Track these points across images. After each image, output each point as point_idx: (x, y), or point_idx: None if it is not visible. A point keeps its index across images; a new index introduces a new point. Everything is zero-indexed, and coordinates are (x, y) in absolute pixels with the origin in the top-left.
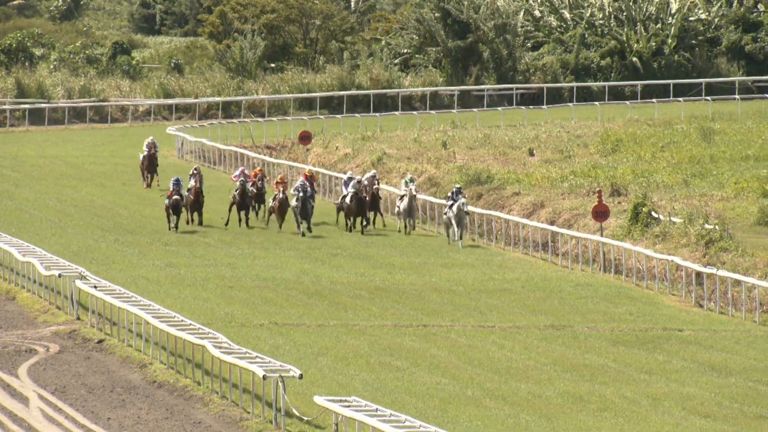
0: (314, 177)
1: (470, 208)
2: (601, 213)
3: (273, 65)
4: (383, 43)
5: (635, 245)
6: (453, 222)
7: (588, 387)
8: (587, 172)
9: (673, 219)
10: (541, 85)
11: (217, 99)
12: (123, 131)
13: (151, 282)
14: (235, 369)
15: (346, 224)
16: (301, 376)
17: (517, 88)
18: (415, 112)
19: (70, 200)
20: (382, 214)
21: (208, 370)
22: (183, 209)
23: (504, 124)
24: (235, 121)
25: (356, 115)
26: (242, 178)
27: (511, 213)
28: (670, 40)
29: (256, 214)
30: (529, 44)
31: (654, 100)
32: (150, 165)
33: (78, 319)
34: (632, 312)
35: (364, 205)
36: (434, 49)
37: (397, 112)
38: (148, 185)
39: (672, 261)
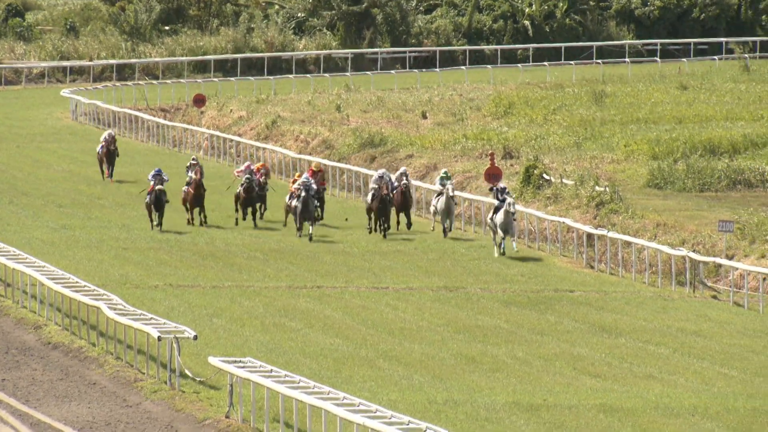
0: (323, 172)
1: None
2: (493, 175)
3: (167, 28)
4: (277, 6)
5: (527, 207)
6: (499, 230)
7: (480, 348)
8: (479, 135)
9: (565, 181)
10: (434, 48)
11: (111, 61)
12: (17, 93)
13: (45, 244)
14: (130, 330)
15: (369, 224)
16: (195, 338)
17: (410, 52)
18: (309, 76)
19: None
20: (409, 216)
21: (103, 332)
22: (186, 203)
23: (397, 87)
24: (129, 83)
25: (251, 78)
26: (248, 174)
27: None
28: (561, 4)
29: (261, 215)
30: (422, 7)
31: (546, 63)
32: (108, 156)
33: None
34: (524, 273)
35: (387, 206)
36: (328, 12)
37: (291, 76)
38: (110, 175)
39: (563, 223)
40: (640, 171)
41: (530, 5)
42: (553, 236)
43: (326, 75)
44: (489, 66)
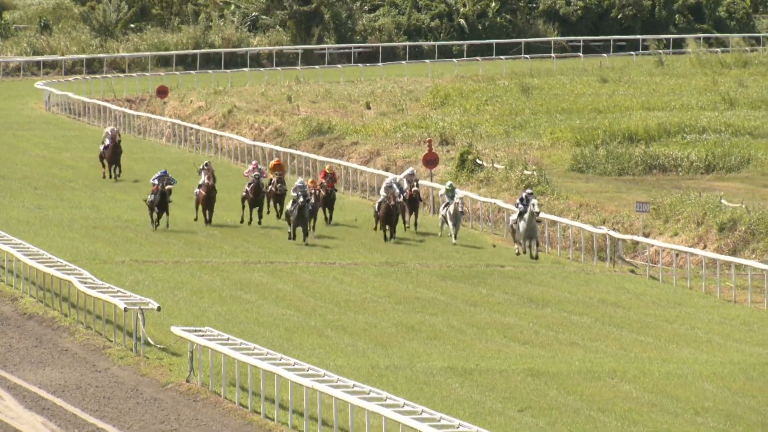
0: (335, 176)
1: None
2: (431, 160)
3: (133, 26)
4: (233, 6)
5: (462, 189)
6: (523, 235)
7: (419, 317)
8: (418, 124)
9: (496, 165)
10: (377, 44)
11: (81, 56)
12: None
13: (21, 222)
14: (99, 302)
15: (376, 229)
16: (159, 309)
17: (355, 47)
18: (262, 69)
19: None
20: (417, 217)
21: (74, 303)
22: (198, 205)
23: (343, 80)
24: (98, 76)
25: (209, 71)
26: (256, 173)
27: (350, 160)
28: (493, 4)
29: (278, 214)
30: (366, 7)
31: (478, 58)
32: (113, 155)
33: None
34: (459, 250)
35: (392, 215)
36: (280, 11)
37: (246, 69)
38: (109, 176)
39: (495, 203)
40: (565, 156)
41: (464, 5)
42: (485, 216)
43: (278, 69)
44: (427, 61)
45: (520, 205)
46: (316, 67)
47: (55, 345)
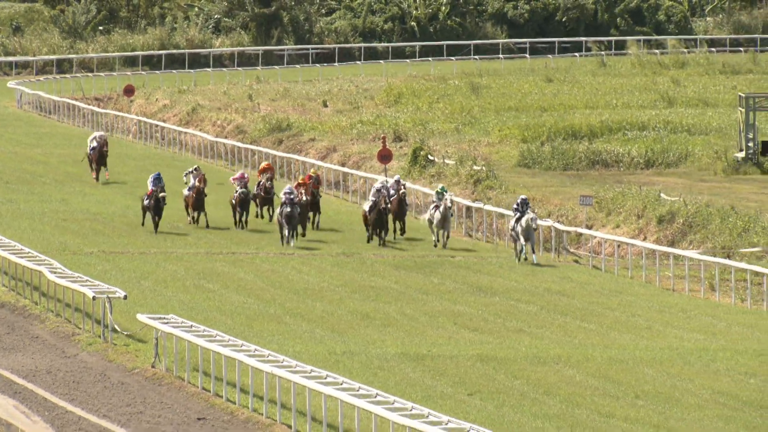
0: (320, 179)
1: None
2: (385, 156)
3: (101, 28)
4: (197, 9)
5: (414, 184)
6: (521, 237)
7: (374, 305)
8: (373, 121)
9: (447, 161)
10: (334, 45)
11: (52, 57)
12: None
13: None
14: (69, 291)
15: (368, 234)
16: (125, 297)
17: (313, 49)
18: (224, 69)
19: None
20: (404, 223)
21: (45, 292)
22: (188, 207)
23: (301, 80)
24: (68, 76)
25: (173, 71)
26: (241, 182)
27: (307, 156)
28: (443, 7)
29: (270, 217)
30: (323, 10)
31: (430, 58)
32: (100, 158)
33: None
34: (411, 241)
35: (384, 218)
36: (242, 14)
37: (209, 69)
38: (97, 179)
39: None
40: (512, 152)
41: (416, 8)
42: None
43: (240, 69)
44: (381, 61)
45: (517, 213)
46: (276, 67)
47: (27, 332)
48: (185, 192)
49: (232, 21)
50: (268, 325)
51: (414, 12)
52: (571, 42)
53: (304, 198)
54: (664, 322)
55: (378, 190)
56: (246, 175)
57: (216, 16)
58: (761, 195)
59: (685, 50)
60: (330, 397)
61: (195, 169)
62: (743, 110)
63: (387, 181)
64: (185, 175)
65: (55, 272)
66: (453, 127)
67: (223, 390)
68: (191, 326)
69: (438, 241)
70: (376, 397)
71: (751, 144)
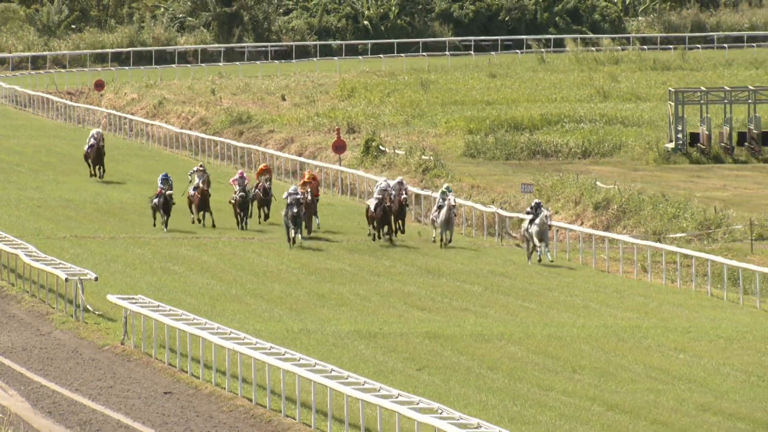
0: (316, 179)
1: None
2: (339, 147)
3: (73, 26)
4: (163, 8)
5: (367, 173)
6: (535, 238)
7: (329, 287)
8: (328, 114)
9: (397, 151)
10: (291, 43)
11: (27, 54)
12: None
13: None
14: (43, 273)
15: (370, 231)
16: (96, 279)
17: (271, 46)
18: (189, 65)
19: None
20: (404, 223)
21: (21, 274)
22: (192, 206)
23: (261, 75)
24: (42, 71)
25: (141, 67)
26: (241, 183)
27: (266, 147)
28: (394, 8)
29: (266, 217)
30: (281, 10)
31: (381, 55)
32: (97, 156)
33: None
34: (364, 226)
35: (388, 216)
36: (205, 13)
37: (174, 65)
38: (93, 174)
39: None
40: (458, 143)
41: (369, 8)
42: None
43: (203, 65)
44: (335, 58)
45: (530, 215)
46: (237, 63)
47: (3, 311)
48: (190, 191)
49: (195, 20)
50: (230, 305)
51: (366, 12)
52: (513, 40)
53: (309, 197)
54: (600, 302)
55: (384, 189)
56: (246, 176)
57: (180, 16)
58: (690, 183)
59: (619, 48)
60: (288, 372)
61: (200, 167)
62: (673, 104)
63: (390, 183)
64: (190, 174)
65: (30, 255)
66: (403, 120)
67: (188, 365)
68: (158, 306)
69: (442, 240)
70: (331, 372)
71: (680, 135)
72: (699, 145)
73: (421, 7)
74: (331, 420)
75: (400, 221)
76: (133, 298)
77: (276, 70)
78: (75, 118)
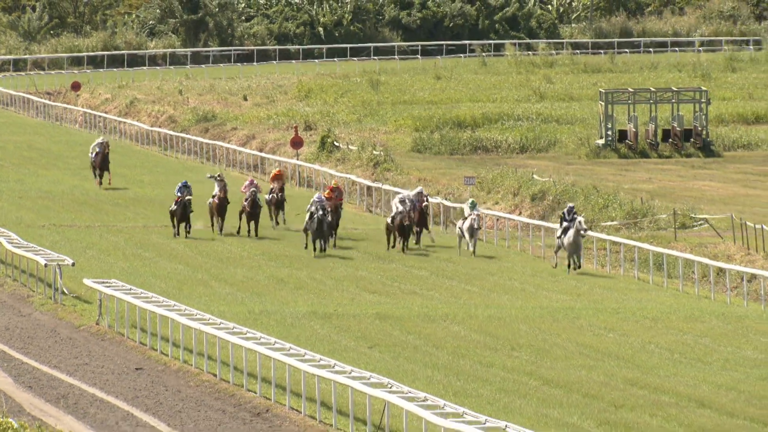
0: (340, 189)
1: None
2: (297, 143)
3: (52, 32)
4: (134, 15)
5: (322, 166)
6: (567, 250)
7: (287, 271)
8: (286, 113)
9: (350, 147)
10: (253, 47)
11: (9, 57)
12: None
13: None
14: (24, 259)
15: (388, 241)
16: (73, 264)
17: (234, 50)
18: (158, 68)
19: None
20: (429, 230)
21: (3, 260)
22: (212, 213)
23: (225, 77)
24: (22, 73)
25: (114, 69)
26: (252, 189)
27: (230, 143)
28: (347, 15)
29: (276, 221)
30: (243, 17)
31: (336, 59)
32: (103, 163)
33: None
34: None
35: (405, 229)
36: (173, 20)
37: (145, 68)
38: (100, 183)
39: (349, 178)
40: (406, 140)
41: (324, 15)
42: (343, 187)
43: (171, 67)
44: (294, 61)
45: (564, 222)
46: (203, 66)
47: None
48: (209, 201)
49: (164, 26)
50: (197, 288)
51: (321, 19)
52: (457, 45)
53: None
54: (536, 285)
55: (402, 201)
56: (256, 183)
57: (151, 22)
58: (618, 176)
59: (554, 52)
60: (250, 350)
61: (219, 175)
62: (603, 104)
63: (409, 195)
64: (208, 177)
65: (12, 243)
66: (355, 118)
67: (158, 344)
68: (130, 289)
69: (468, 248)
70: (289, 350)
71: (610, 132)
72: (627, 141)
73: (372, 14)
74: (289, 394)
75: (423, 228)
76: (107, 282)
77: (238, 72)
78: (53, 117)
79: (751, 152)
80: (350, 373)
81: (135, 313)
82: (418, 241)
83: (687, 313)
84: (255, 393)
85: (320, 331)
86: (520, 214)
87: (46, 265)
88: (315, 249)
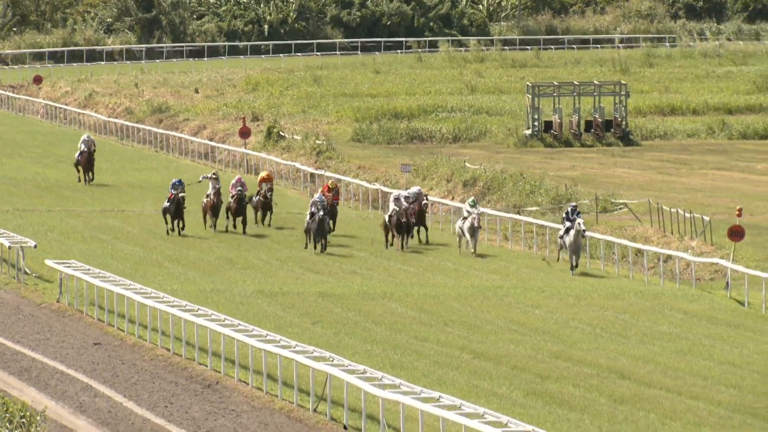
0: (338, 188)
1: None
2: (245, 132)
3: (15, 29)
4: (93, 13)
5: (269, 155)
6: (569, 250)
7: (237, 253)
8: (235, 104)
9: (295, 137)
10: (204, 44)
11: None
12: None
13: None
14: None
15: (386, 240)
16: (35, 246)
17: (186, 46)
18: (115, 63)
19: None
20: (427, 228)
21: None
22: (206, 212)
23: (177, 71)
24: None
25: (74, 64)
26: (239, 187)
27: (182, 132)
28: (292, 13)
29: (262, 221)
30: (195, 15)
31: (281, 55)
32: (87, 162)
33: None
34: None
35: (403, 227)
36: (129, 18)
37: (102, 63)
38: (85, 181)
39: (294, 165)
40: (347, 130)
41: (270, 14)
42: (287, 175)
43: (127, 62)
44: (242, 57)
45: (566, 222)
46: (157, 61)
47: None
48: (203, 200)
49: (120, 24)
50: (151, 269)
51: (268, 17)
52: (394, 41)
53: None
54: (468, 266)
55: (396, 199)
56: (243, 181)
57: (108, 20)
58: (544, 164)
59: (484, 48)
60: (201, 326)
61: (213, 174)
62: (530, 96)
63: (403, 194)
64: (202, 178)
65: None
66: (300, 110)
67: (115, 321)
68: (89, 269)
69: (468, 247)
70: (238, 326)
71: (536, 123)
72: (552, 131)
73: (315, 13)
74: (238, 367)
75: (422, 227)
76: (67, 263)
77: (190, 67)
78: (17, 108)
79: (667, 141)
80: (294, 347)
81: (93, 292)
82: (407, 243)
83: (608, 291)
84: (206, 366)
85: (267, 308)
86: (453, 199)
87: (9, 247)
88: (315, 248)
